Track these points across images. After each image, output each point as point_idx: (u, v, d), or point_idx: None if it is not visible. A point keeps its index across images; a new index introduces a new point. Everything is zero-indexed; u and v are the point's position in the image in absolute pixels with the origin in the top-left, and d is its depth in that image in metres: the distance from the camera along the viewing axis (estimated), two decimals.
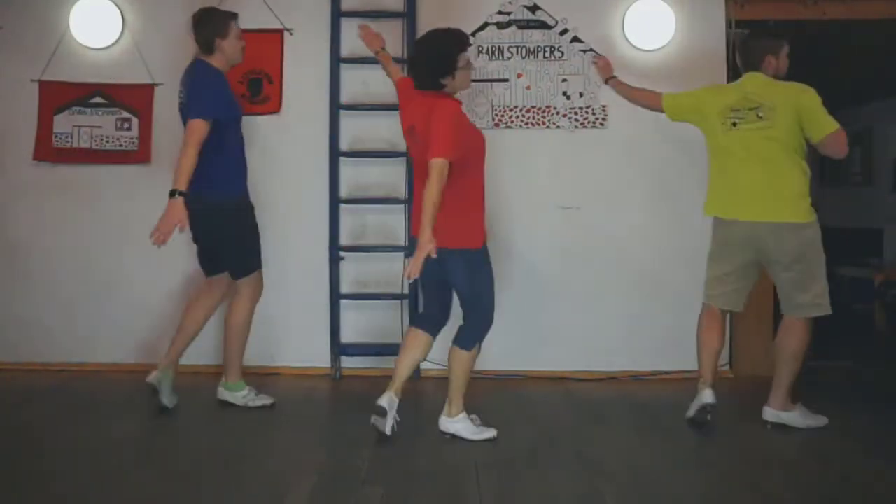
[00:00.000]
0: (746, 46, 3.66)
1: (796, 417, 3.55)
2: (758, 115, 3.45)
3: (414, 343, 3.41)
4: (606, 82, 4.15)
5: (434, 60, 3.28)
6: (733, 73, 4.16)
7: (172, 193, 3.42)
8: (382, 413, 3.26)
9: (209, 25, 3.70)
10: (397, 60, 4.50)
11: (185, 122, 3.58)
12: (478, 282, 3.33)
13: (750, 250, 3.52)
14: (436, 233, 3.02)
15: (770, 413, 3.55)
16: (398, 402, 3.31)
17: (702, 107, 3.63)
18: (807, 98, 3.44)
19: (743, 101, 3.50)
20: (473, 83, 4.49)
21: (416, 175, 3.44)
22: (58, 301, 4.62)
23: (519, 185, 4.54)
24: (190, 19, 3.75)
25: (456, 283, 3.33)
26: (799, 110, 3.42)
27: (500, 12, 4.58)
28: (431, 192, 3.04)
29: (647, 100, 3.91)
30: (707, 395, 3.49)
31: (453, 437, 3.35)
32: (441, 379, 4.34)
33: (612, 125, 4.56)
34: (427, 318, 3.51)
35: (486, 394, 4.14)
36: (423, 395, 4.08)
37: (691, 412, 3.51)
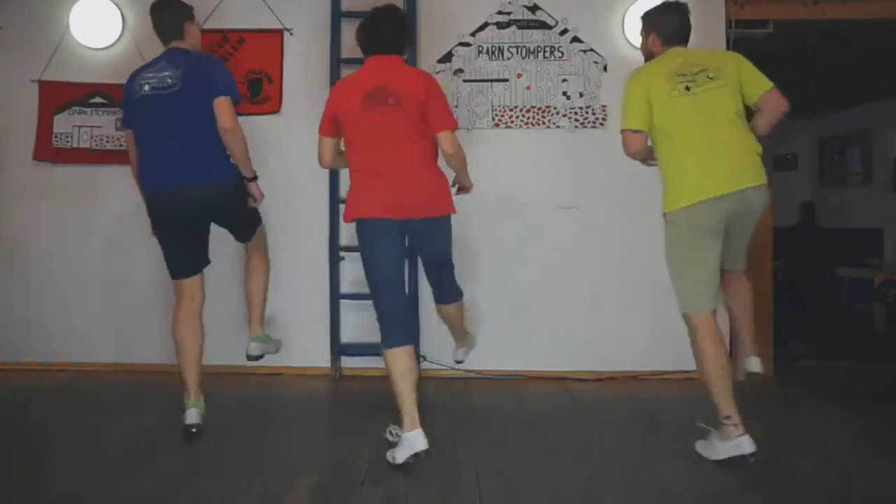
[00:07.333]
0: (684, 17, 3.30)
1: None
2: (708, 77, 3.09)
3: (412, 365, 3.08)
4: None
5: (407, 27, 3.29)
6: None
7: (252, 179, 3.51)
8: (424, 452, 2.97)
9: (178, 10, 3.55)
10: None
11: (169, 105, 3.36)
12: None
13: (723, 225, 3.08)
14: (433, 200, 3.10)
15: (757, 363, 3.36)
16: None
17: (648, 88, 3.11)
18: (740, 58, 3.18)
19: (686, 66, 3.13)
20: (473, 83, 4.54)
21: (381, 138, 3.08)
22: (58, 301, 4.63)
23: (519, 186, 4.55)
24: (150, 10, 3.52)
25: (443, 247, 3.25)
26: (739, 69, 3.13)
27: (500, 12, 4.58)
28: (463, 157, 3.20)
29: (644, 151, 3.23)
30: (747, 443, 3.01)
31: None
32: (443, 379, 4.36)
33: (612, 125, 4.54)
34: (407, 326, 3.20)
35: (487, 394, 4.15)
36: (424, 396, 4.07)
37: (720, 456, 3.07)
